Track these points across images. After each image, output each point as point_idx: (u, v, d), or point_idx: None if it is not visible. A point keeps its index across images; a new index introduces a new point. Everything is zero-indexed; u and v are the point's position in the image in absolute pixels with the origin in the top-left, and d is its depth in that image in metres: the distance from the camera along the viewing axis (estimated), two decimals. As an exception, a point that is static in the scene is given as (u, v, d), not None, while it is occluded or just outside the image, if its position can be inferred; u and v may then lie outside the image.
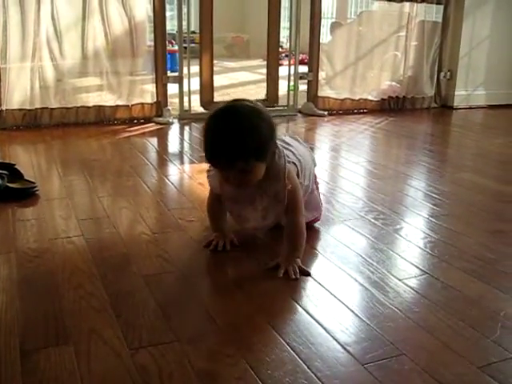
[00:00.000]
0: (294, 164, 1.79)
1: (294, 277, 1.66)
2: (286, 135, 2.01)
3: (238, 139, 1.56)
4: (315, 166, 2.06)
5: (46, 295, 1.54)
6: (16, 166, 2.44)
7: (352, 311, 1.49)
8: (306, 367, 1.25)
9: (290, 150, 1.83)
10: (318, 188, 2.11)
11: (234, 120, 1.60)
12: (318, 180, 2.13)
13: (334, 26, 5.36)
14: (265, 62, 4.49)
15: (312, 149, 2.11)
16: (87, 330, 1.38)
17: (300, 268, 1.69)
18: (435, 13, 4.73)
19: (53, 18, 3.65)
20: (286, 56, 5.33)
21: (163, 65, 4.00)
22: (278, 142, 1.74)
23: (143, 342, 1.33)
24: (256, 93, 4.92)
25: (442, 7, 4.62)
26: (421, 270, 1.75)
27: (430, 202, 2.38)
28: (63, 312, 1.46)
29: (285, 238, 1.79)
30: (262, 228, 1.91)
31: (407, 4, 4.54)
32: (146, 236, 1.96)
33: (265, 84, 4.45)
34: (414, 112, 4.60)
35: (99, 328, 1.38)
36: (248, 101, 1.68)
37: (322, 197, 2.37)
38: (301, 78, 4.39)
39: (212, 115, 1.64)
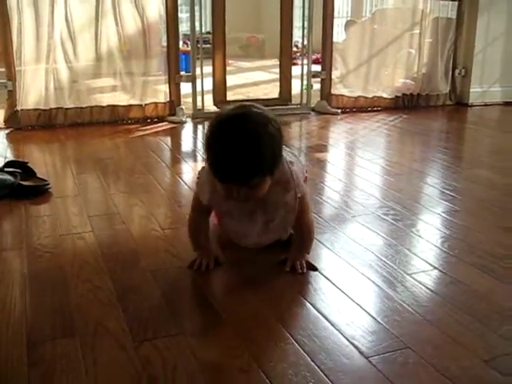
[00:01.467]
0: (292, 163, 1.63)
1: (300, 271, 1.65)
2: None
3: (256, 153, 1.41)
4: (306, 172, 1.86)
5: (54, 289, 1.56)
6: (28, 164, 2.47)
7: (359, 305, 1.49)
8: (309, 360, 1.25)
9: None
10: None
11: (248, 131, 1.43)
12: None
13: (349, 25, 5.36)
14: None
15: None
16: (93, 322, 1.39)
17: (307, 263, 1.69)
18: (450, 9, 4.69)
19: (66, 20, 3.68)
20: (301, 55, 5.32)
21: (176, 64, 4.01)
22: None
23: (148, 335, 1.34)
24: (270, 92, 4.92)
25: (456, 3, 4.58)
26: (430, 264, 1.74)
27: (443, 199, 2.36)
28: (70, 305, 1.47)
29: (294, 233, 1.77)
30: (261, 244, 1.75)
31: (421, 1, 4.51)
32: (155, 232, 1.97)
33: (278, 83, 4.44)
34: (428, 109, 4.56)
35: (105, 321, 1.39)
36: (255, 106, 1.49)
37: (333, 193, 2.38)
38: (314, 76, 4.38)
39: (220, 122, 1.47)
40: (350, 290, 1.57)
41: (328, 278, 1.64)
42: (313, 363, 1.23)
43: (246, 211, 1.63)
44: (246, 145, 1.40)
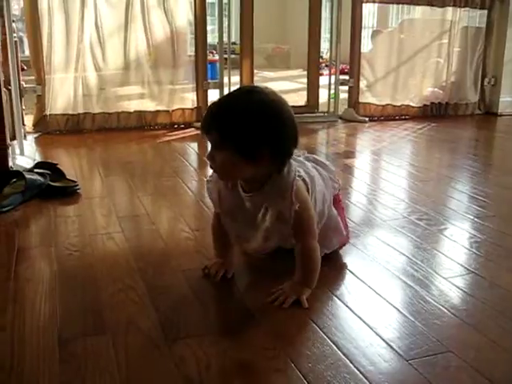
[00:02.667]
0: (304, 181, 1.53)
1: (277, 304, 1.45)
2: (301, 155, 1.71)
3: (224, 110, 1.40)
4: (337, 189, 1.75)
5: (84, 287, 1.54)
6: (58, 166, 2.47)
7: (395, 308, 1.45)
8: (348, 362, 1.21)
9: (301, 167, 1.57)
10: (342, 210, 1.82)
11: (248, 96, 1.42)
12: (341, 203, 1.83)
13: (375, 35, 5.32)
14: (305, 72, 4.48)
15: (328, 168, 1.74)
16: (125, 321, 1.36)
17: (300, 299, 1.46)
18: (479, 18, 4.63)
19: (96, 26, 3.70)
20: (326, 66, 5.31)
21: (204, 71, 4.02)
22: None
23: (181, 334, 1.31)
24: (296, 101, 4.88)
25: (485, 12, 4.53)
26: (466, 269, 1.69)
27: (475, 204, 2.31)
28: (101, 304, 1.45)
29: (296, 264, 1.55)
30: (263, 251, 1.66)
31: (450, 10, 4.46)
32: (185, 233, 1.94)
33: (304, 92, 4.43)
34: (456, 118, 4.51)
35: (137, 320, 1.37)
36: (279, 97, 1.45)
37: (363, 198, 2.34)
38: (342, 83, 4.36)
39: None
40: (385, 293, 1.52)
41: (362, 280, 1.60)
42: (352, 365, 1.19)
43: (249, 215, 1.53)
44: (226, 101, 1.45)
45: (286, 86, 6.57)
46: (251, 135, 1.38)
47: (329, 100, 4.40)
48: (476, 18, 4.65)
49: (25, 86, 3.54)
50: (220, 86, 4.06)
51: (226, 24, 4.11)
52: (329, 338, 1.30)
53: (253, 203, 1.51)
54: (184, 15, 3.92)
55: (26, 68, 4.16)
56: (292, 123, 1.44)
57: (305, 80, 4.45)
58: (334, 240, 1.74)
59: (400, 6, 5.92)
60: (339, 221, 1.74)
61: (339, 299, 1.49)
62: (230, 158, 1.39)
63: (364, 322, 1.38)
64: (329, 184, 1.69)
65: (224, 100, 1.49)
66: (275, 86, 6.33)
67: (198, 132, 3.79)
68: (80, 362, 1.20)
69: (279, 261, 1.70)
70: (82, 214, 2.13)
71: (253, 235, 1.57)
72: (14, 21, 3.16)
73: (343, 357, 1.23)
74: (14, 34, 3.15)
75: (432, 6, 4.44)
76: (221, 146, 1.39)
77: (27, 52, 4.07)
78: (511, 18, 4.52)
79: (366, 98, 4.41)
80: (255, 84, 1.52)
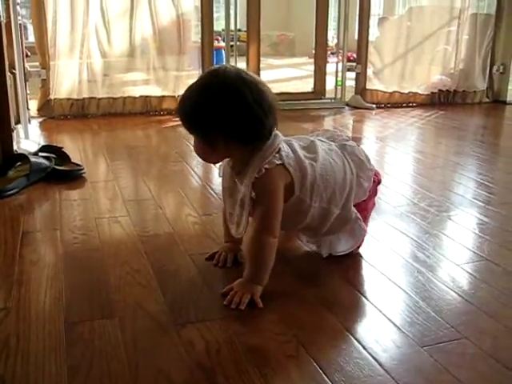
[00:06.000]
0: (287, 170, 1.41)
1: (233, 307, 1.33)
2: (334, 141, 1.61)
3: (184, 97, 1.37)
4: (365, 192, 1.60)
5: (90, 271, 1.51)
6: (63, 150, 2.44)
7: (408, 294, 1.42)
8: (360, 347, 1.18)
9: (298, 154, 1.45)
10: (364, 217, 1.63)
11: (202, 82, 1.37)
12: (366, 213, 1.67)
13: (382, 22, 5.26)
14: (310, 60, 4.45)
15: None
16: (133, 304, 1.34)
17: (253, 299, 1.35)
18: (488, 5, 4.57)
19: (102, 10, 3.66)
20: (332, 54, 5.27)
21: (210, 57, 3.99)
22: (292, 141, 1.49)
23: (190, 318, 1.28)
24: (301, 87, 4.85)
25: (495, -1, 4.47)
26: (479, 255, 1.66)
27: (485, 191, 2.28)
28: (108, 287, 1.42)
29: (245, 259, 1.49)
30: (238, 234, 1.50)
31: (458, -3, 4.41)
32: (192, 217, 1.91)
33: (310, 79, 4.37)
34: (464, 106, 4.46)
35: (145, 303, 1.34)
36: (245, 72, 1.38)
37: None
38: (348, 69, 4.31)
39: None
40: (397, 279, 1.50)
41: (374, 266, 1.57)
42: (364, 351, 1.17)
43: (238, 197, 1.46)
44: (187, 88, 1.38)
45: (292, 73, 6.53)
46: (200, 120, 1.35)
47: (336, 87, 4.35)
48: (485, 4, 4.59)
49: (29, 69, 3.50)
50: (226, 72, 4.01)
51: (232, 11, 4.08)
52: (340, 323, 1.27)
53: (241, 185, 1.44)
54: (190, 1, 3.88)
55: (29, 54, 4.12)
56: (258, 104, 1.33)
57: (310, 67, 4.41)
58: (344, 245, 1.61)
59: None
60: (358, 227, 1.59)
61: (351, 285, 1.46)
62: (197, 143, 1.42)
63: (376, 307, 1.35)
64: (353, 182, 1.55)
65: (188, 87, 1.40)
66: (280, 74, 6.31)
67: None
68: (87, 345, 1.18)
69: (295, 252, 1.67)
70: (88, 197, 2.10)
71: (236, 217, 1.48)
72: (18, 3, 3.12)
73: (356, 342, 1.20)
74: (19, 17, 3.11)
75: (440, -8, 4.39)
76: (189, 131, 1.41)
77: (31, 38, 4.04)
78: (521, 4, 4.46)
79: (374, 84, 4.37)
80: (226, 65, 1.46)
